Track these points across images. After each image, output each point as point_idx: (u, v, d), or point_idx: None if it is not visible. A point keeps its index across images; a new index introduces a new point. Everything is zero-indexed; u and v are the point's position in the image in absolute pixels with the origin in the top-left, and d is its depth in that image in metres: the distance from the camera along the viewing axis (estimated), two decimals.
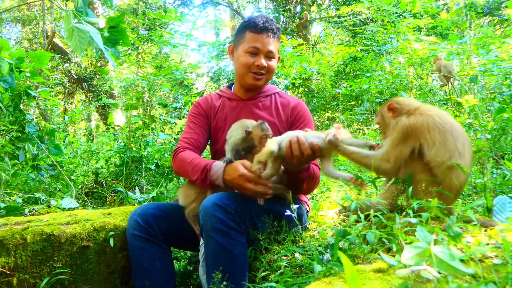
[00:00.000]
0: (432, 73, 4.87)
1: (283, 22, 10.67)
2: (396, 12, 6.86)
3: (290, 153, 1.54)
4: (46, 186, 2.99)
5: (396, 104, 1.51)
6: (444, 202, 1.24)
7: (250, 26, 1.90)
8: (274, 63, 1.96)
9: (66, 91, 11.70)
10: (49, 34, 10.40)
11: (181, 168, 1.84)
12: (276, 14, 10.70)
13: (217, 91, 2.16)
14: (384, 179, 1.52)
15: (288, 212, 1.44)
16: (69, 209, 2.30)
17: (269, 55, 1.92)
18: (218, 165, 1.70)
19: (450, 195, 1.32)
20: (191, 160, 1.79)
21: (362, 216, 1.21)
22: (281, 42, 5.97)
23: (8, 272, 1.49)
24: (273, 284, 1.17)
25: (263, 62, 1.89)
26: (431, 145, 1.33)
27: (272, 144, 1.55)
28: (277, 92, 2.07)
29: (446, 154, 1.31)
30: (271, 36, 1.90)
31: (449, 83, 4.64)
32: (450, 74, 4.45)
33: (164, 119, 3.80)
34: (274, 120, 1.95)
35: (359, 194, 2.31)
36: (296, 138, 1.54)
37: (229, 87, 2.12)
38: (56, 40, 10.70)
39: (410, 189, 1.32)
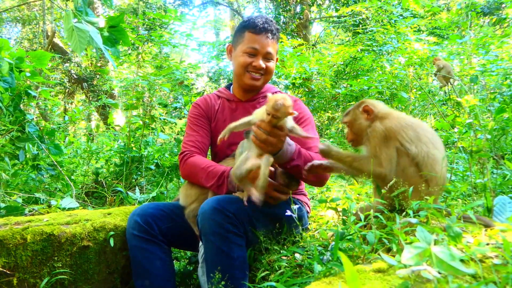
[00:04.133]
0: (434, 74, 4.86)
1: (283, 22, 10.66)
2: (395, 13, 6.85)
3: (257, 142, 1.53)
4: (46, 186, 2.99)
5: (372, 106, 1.54)
6: (431, 194, 1.30)
7: (249, 27, 1.89)
8: (272, 64, 1.94)
9: (66, 91, 11.70)
10: (49, 34, 10.39)
11: (192, 174, 1.83)
12: (276, 14, 10.70)
13: (215, 92, 2.15)
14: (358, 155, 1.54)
15: (288, 213, 1.44)
16: (69, 209, 2.30)
17: (267, 57, 1.90)
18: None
19: (435, 190, 1.38)
20: (204, 166, 1.79)
21: (362, 216, 1.21)
22: (281, 42, 5.97)
23: (8, 272, 1.49)
24: (273, 284, 1.17)
25: (261, 63, 1.88)
26: (410, 142, 1.41)
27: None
28: (275, 92, 2.06)
29: (423, 147, 1.40)
30: (270, 37, 1.88)
31: (449, 83, 4.63)
32: (449, 74, 4.45)
33: (164, 119, 3.80)
34: None
35: (359, 195, 2.32)
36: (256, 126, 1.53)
37: (228, 87, 2.11)
38: (56, 40, 10.70)
39: (411, 189, 1.32)
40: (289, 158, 1.61)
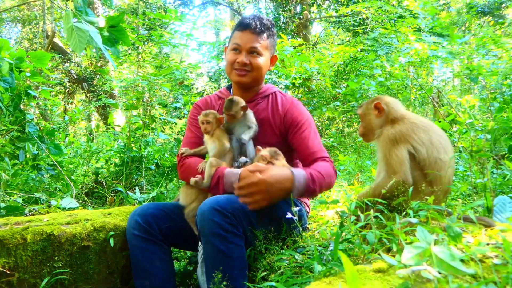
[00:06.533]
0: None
1: (283, 22, 10.66)
2: (395, 13, 6.85)
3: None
4: (46, 186, 2.99)
5: (384, 105, 1.51)
6: (436, 197, 1.30)
7: (237, 25, 1.95)
8: (259, 60, 1.91)
9: (66, 91, 11.70)
10: (49, 34, 10.39)
11: (190, 175, 1.82)
12: (276, 14, 10.69)
13: (216, 92, 2.15)
14: (378, 180, 1.51)
15: (289, 215, 1.44)
16: (69, 209, 2.30)
17: (252, 51, 1.90)
18: (232, 172, 1.70)
19: (439, 194, 1.36)
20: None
21: (362, 216, 1.21)
22: (281, 42, 5.96)
23: (8, 272, 1.49)
24: (273, 284, 1.17)
25: (244, 59, 1.88)
26: (422, 145, 1.39)
27: None
28: (275, 92, 2.05)
29: (434, 151, 1.38)
30: (255, 33, 1.89)
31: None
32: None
33: (164, 119, 3.80)
34: (271, 121, 1.93)
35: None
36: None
37: (228, 88, 2.11)
38: (56, 40, 10.69)
39: (411, 189, 1.32)
40: (305, 191, 1.66)
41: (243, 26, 1.90)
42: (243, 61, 1.88)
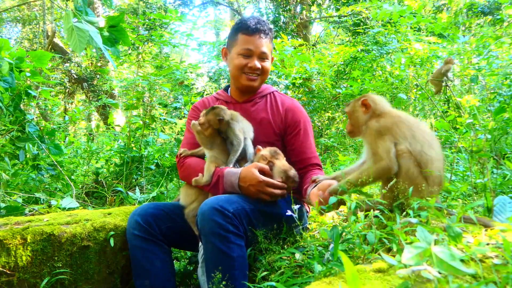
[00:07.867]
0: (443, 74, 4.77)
1: (283, 22, 10.65)
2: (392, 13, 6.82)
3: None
4: (47, 186, 2.99)
5: (371, 102, 1.57)
6: (430, 193, 1.33)
7: (242, 29, 1.91)
8: (267, 64, 1.95)
9: (67, 91, 11.70)
10: (49, 34, 10.38)
11: (191, 176, 1.83)
12: (276, 14, 10.68)
13: (214, 94, 2.16)
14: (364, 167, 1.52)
15: (289, 213, 1.44)
16: (69, 209, 2.30)
17: (262, 56, 1.91)
18: (231, 172, 1.71)
19: (434, 189, 1.38)
20: (199, 168, 1.82)
21: (362, 216, 1.21)
22: (282, 42, 5.96)
23: (8, 272, 1.50)
24: (273, 284, 1.17)
25: (256, 63, 1.89)
26: (404, 138, 1.41)
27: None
28: (273, 92, 2.06)
29: (417, 146, 1.39)
30: (263, 37, 1.90)
31: (446, 87, 4.58)
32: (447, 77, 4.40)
33: (164, 119, 3.80)
34: (270, 120, 1.94)
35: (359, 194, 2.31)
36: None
37: (226, 89, 2.12)
38: (57, 40, 10.68)
39: (411, 189, 1.32)
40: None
41: (251, 30, 1.88)
42: (256, 66, 1.89)
